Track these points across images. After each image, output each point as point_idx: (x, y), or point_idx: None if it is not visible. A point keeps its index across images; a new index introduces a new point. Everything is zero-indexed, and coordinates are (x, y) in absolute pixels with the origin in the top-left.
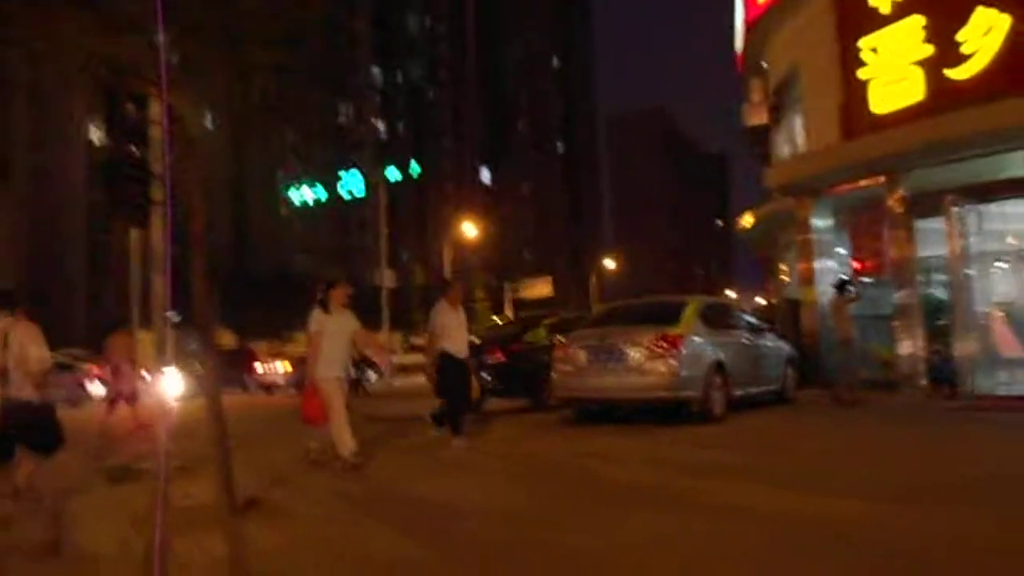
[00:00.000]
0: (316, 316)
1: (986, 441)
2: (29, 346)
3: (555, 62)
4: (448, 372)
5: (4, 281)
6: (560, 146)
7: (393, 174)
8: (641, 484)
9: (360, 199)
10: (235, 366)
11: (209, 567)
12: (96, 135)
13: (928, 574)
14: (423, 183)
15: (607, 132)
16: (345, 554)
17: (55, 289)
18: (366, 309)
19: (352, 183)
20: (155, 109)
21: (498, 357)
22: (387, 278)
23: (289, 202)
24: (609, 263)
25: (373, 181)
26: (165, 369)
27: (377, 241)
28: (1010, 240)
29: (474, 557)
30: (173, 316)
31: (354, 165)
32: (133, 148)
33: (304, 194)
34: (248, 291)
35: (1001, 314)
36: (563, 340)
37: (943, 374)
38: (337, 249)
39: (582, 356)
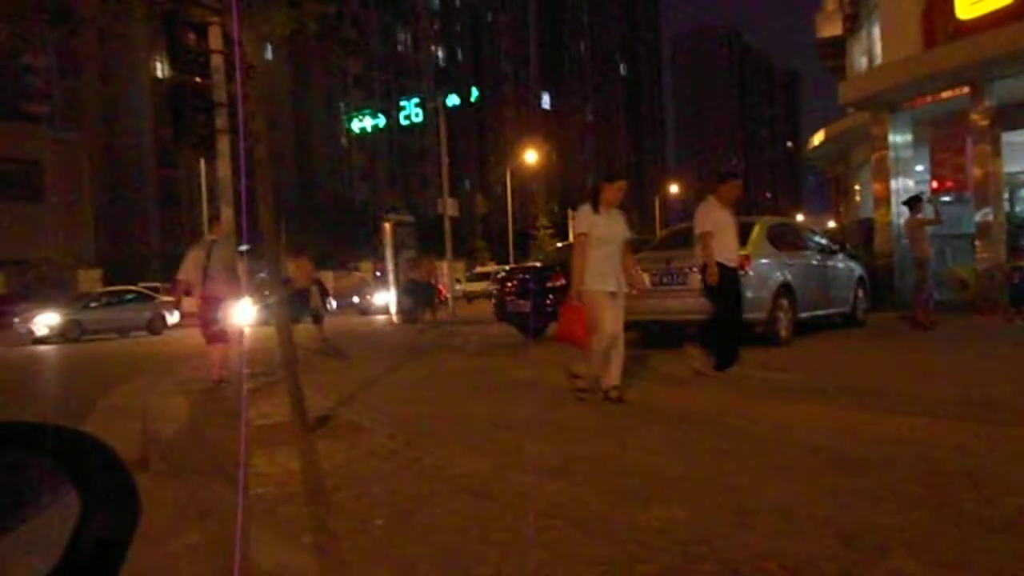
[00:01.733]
0: (584, 215)
1: None
2: None
3: None
4: (718, 283)
5: (78, 220)
6: (622, 68)
7: (452, 100)
8: (700, 405)
9: (419, 127)
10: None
11: (282, 478)
12: (160, 69)
13: (962, 490)
14: (483, 110)
15: (671, 52)
16: (410, 466)
17: (130, 225)
18: (428, 238)
19: (412, 111)
20: (214, 38)
21: (560, 281)
22: (450, 207)
23: (349, 132)
24: (673, 188)
25: (432, 108)
26: (240, 298)
27: (438, 169)
28: None
29: (533, 473)
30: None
31: (414, 92)
32: (194, 78)
33: (364, 123)
34: (312, 221)
35: None
36: None
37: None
38: (397, 177)
39: (646, 279)
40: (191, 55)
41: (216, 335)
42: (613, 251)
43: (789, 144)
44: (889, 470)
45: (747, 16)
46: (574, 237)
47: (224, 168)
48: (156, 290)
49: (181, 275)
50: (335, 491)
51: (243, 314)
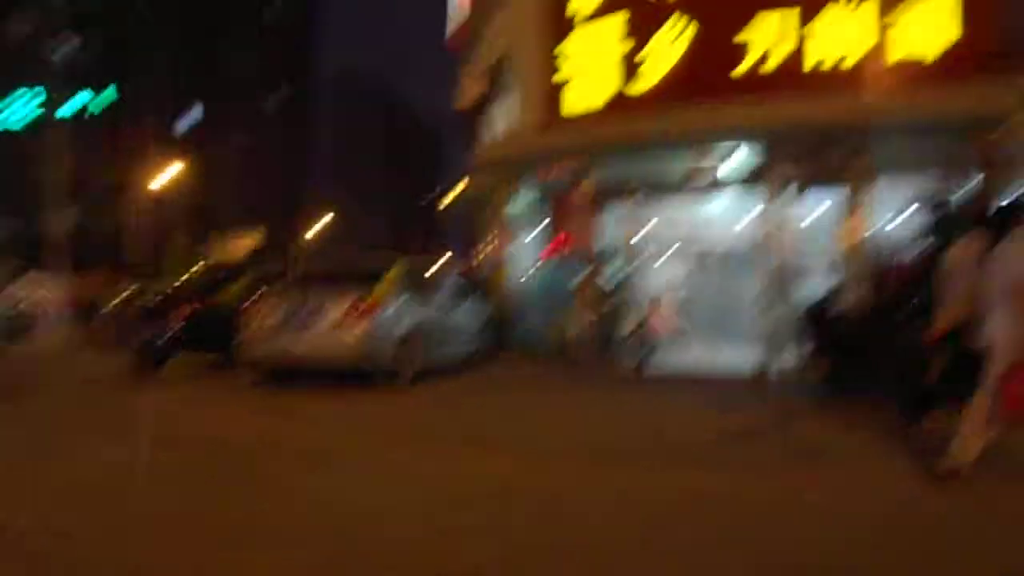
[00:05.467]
0: None
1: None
2: None
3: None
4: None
5: None
6: (273, 98)
7: (77, 104)
8: (319, 443)
9: (36, 127)
10: None
11: None
12: None
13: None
14: (118, 119)
15: (329, 90)
16: None
17: None
18: (30, 255)
19: (25, 111)
20: None
21: (190, 311)
22: (64, 219)
23: None
24: (319, 223)
25: (48, 110)
26: None
27: (55, 176)
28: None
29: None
30: None
31: (36, 86)
32: None
33: None
34: None
35: (667, 298)
36: (256, 299)
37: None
38: (7, 184)
39: (275, 317)
40: None
41: None
42: None
43: (437, 190)
44: (493, 506)
45: (397, 66)
46: (1019, 284)
47: None
48: None
49: None
50: None
51: None
